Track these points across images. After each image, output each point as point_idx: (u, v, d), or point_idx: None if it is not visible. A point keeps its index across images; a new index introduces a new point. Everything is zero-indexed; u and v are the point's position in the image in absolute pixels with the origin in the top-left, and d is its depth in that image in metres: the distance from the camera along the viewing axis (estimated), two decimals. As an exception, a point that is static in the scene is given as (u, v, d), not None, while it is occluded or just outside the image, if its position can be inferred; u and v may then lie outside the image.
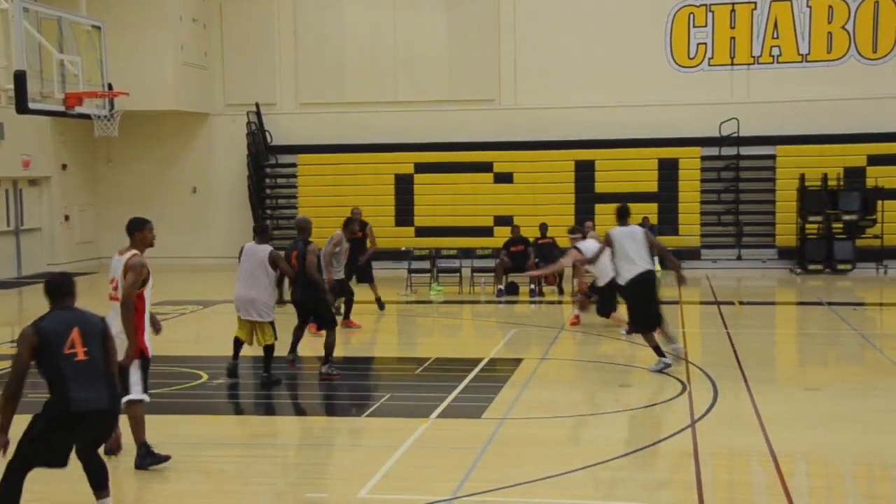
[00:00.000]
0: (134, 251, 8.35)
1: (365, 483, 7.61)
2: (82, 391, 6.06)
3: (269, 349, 11.38)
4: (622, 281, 11.94)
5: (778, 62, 24.93)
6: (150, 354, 8.19)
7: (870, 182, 23.58)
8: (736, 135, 24.48)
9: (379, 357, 13.15)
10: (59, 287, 6.40)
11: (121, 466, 8.20)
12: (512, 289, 19.74)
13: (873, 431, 9.33)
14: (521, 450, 8.62)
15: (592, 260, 13.38)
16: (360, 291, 16.60)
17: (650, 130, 24.84)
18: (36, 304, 20.62)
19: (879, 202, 23.00)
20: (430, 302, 19.25)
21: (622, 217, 12.30)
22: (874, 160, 23.91)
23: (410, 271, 20.64)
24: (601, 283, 14.57)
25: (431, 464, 8.28)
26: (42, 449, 6.20)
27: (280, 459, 8.70)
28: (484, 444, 8.73)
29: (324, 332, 11.76)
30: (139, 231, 8.43)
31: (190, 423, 9.64)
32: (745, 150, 24.65)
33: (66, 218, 26.32)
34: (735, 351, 13.17)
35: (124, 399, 7.82)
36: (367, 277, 17.17)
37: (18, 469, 6.23)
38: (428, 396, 10.67)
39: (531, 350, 13.62)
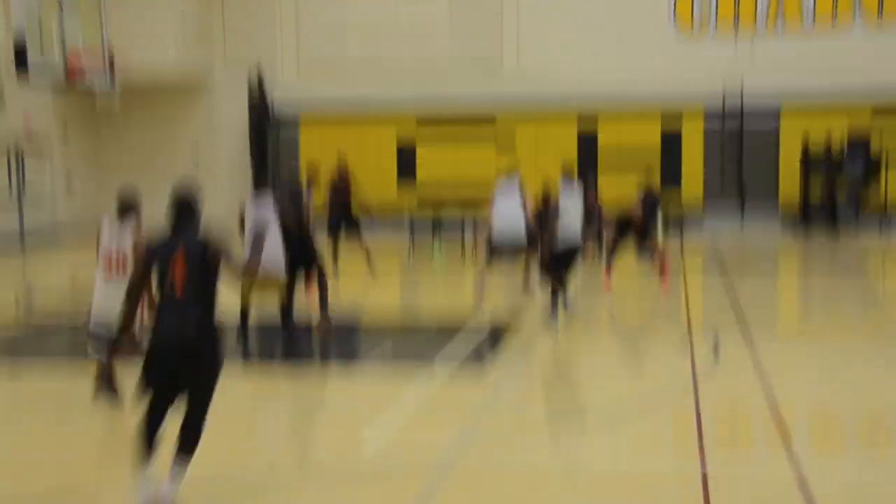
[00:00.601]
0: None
1: (364, 442, 7.61)
2: (172, 317, 5.95)
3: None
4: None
5: (782, 31, 24.76)
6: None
7: (874, 142, 23.53)
8: (740, 102, 24.36)
9: (377, 315, 13.17)
10: (180, 207, 6.25)
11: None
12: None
13: (874, 381, 9.37)
14: (519, 411, 8.65)
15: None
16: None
17: (654, 98, 24.75)
18: (39, 271, 20.72)
19: (884, 162, 22.99)
20: (431, 265, 19.26)
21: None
22: (879, 125, 23.81)
23: (412, 235, 20.61)
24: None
25: (430, 422, 8.28)
26: (145, 386, 6.01)
27: (272, 414, 8.73)
28: (482, 405, 8.74)
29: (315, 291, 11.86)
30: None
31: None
32: (749, 117, 24.55)
33: (69, 186, 26.32)
34: (736, 302, 13.18)
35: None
36: (354, 229, 16.78)
37: (145, 411, 6.07)
38: (426, 355, 10.62)
39: (532, 310, 13.63)
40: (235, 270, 6.18)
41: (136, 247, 8.27)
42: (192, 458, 6.07)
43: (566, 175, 12.29)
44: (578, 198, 12.08)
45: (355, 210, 17.03)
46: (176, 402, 6.07)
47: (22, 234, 24.90)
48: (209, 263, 6.07)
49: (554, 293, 11.74)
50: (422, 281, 18.06)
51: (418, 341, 11.85)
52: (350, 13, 26.38)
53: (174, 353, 5.97)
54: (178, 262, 6.00)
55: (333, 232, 16.82)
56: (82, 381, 9.06)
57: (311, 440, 8.28)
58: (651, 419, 8.30)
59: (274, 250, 11.30)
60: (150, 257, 6.12)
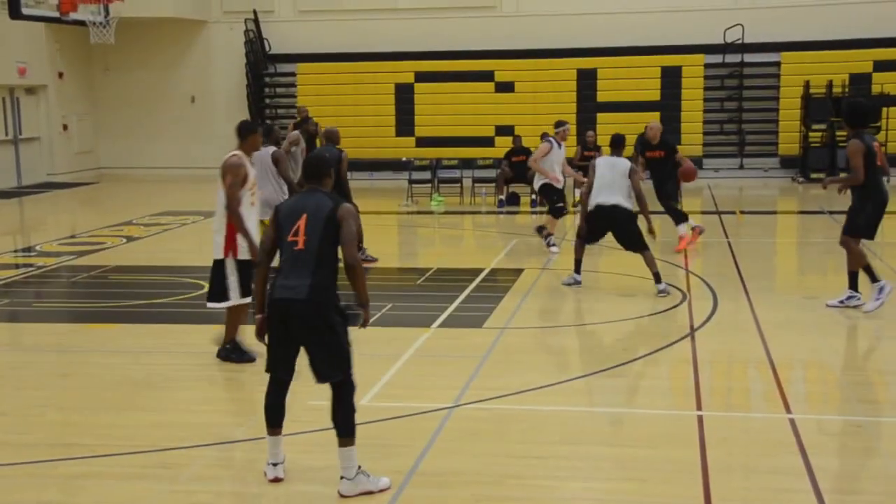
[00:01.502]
0: (234, 152, 8.37)
1: (367, 391, 7.70)
2: (288, 279, 5.77)
3: None
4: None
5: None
6: (239, 256, 8.27)
7: (875, 89, 23.36)
8: (740, 41, 24.17)
9: (380, 267, 13.19)
10: (309, 168, 6.11)
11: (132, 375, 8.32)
12: (513, 199, 19.72)
13: (870, 338, 9.42)
14: (522, 358, 8.71)
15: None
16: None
17: (653, 37, 24.53)
18: (37, 213, 20.71)
19: (885, 109, 22.81)
20: (430, 212, 19.24)
21: (615, 146, 11.61)
22: (880, 66, 23.66)
23: (411, 181, 20.58)
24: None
25: (433, 372, 8.37)
26: (270, 349, 5.92)
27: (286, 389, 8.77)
28: (485, 352, 8.81)
29: None
30: (252, 134, 8.46)
31: (193, 332, 9.71)
32: (750, 58, 24.38)
33: (65, 127, 26.16)
34: (735, 260, 13.21)
35: (222, 304, 8.32)
36: None
37: (271, 379, 6.00)
38: (429, 306, 10.74)
39: (532, 260, 13.65)
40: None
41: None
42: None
43: (612, 146, 11.73)
44: (620, 169, 11.25)
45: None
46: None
47: (19, 174, 24.81)
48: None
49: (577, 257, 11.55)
50: (420, 230, 18.05)
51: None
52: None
53: None
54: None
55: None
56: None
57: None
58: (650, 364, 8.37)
59: (264, 193, 11.30)
60: None
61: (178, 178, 25.30)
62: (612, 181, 11.19)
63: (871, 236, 10.04)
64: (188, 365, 8.60)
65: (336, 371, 5.83)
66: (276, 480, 6.00)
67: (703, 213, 18.77)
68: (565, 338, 9.72)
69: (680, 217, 13.96)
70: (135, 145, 27.02)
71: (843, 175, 10.14)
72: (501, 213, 18.90)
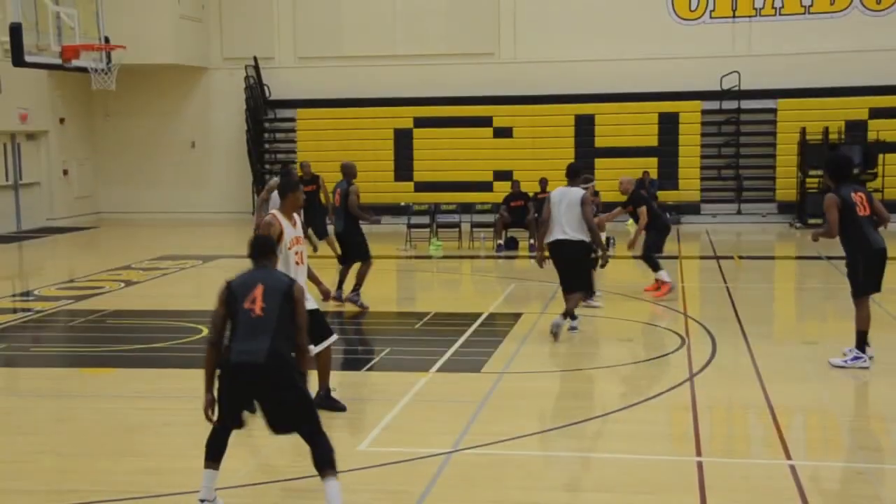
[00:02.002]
0: (272, 211, 8.26)
1: (365, 436, 7.66)
2: (245, 343, 5.95)
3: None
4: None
5: (780, 14, 24.75)
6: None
7: (871, 135, 23.51)
8: (737, 88, 24.36)
9: (378, 311, 13.18)
10: (260, 247, 6.34)
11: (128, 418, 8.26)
12: (511, 244, 19.74)
13: (871, 385, 9.38)
14: (520, 404, 8.67)
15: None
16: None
17: (651, 84, 24.72)
18: (36, 257, 20.71)
19: (881, 156, 22.93)
20: (429, 257, 19.25)
21: (571, 176, 11.38)
22: (876, 113, 23.83)
23: (410, 226, 20.62)
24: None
25: (431, 417, 8.33)
26: (220, 403, 6.12)
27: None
28: (483, 398, 8.77)
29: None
30: (292, 192, 8.24)
31: (190, 377, 9.65)
32: (746, 104, 24.56)
33: (65, 172, 26.26)
34: (734, 305, 13.20)
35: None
36: (321, 233, 16.33)
37: (214, 428, 6.21)
38: (427, 350, 10.71)
39: (530, 305, 13.64)
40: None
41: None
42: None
43: (568, 175, 11.55)
44: (573, 197, 10.95)
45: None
46: None
47: (18, 218, 24.86)
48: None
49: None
50: (418, 274, 18.05)
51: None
52: (346, 4, 26.35)
53: None
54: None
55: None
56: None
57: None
58: (649, 411, 8.33)
59: None
60: None
61: (178, 223, 25.34)
62: (563, 213, 10.96)
63: (877, 288, 9.72)
64: (185, 410, 8.54)
65: (300, 423, 6.02)
66: None
67: (702, 258, 18.81)
68: (564, 383, 9.68)
69: (657, 266, 13.81)
70: (134, 190, 27.10)
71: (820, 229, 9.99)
72: (500, 257, 18.91)
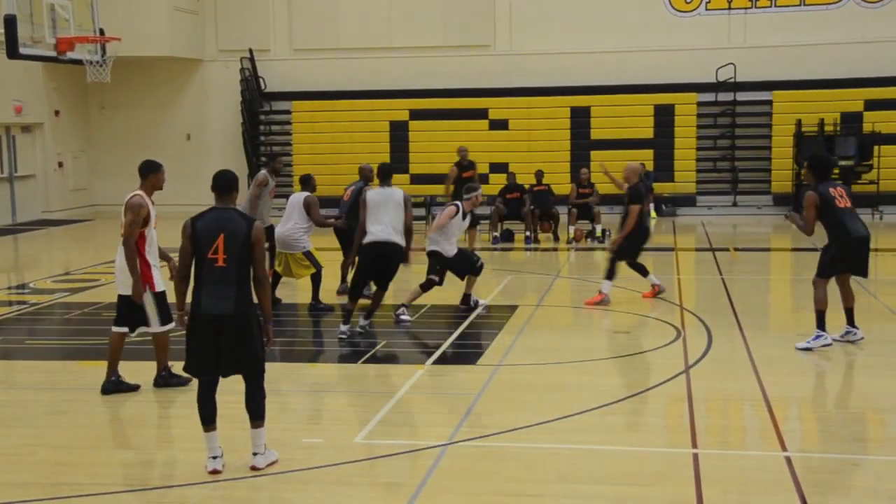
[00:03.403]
0: (136, 192, 8.70)
1: (361, 429, 7.66)
2: (211, 295, 6.43)
3: (314, 278, 12.65)
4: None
5: (776, 6, 24.74)
6: (157, 289, 8.71)
7: (867, 127, 23.52)
8: (733, 80, 24.36)
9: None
10: (223, 183, 6.69)
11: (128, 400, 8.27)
12: (507, 236, 19.75)
13: (866, 376, 9.41)
14: (516, 396, 8.68)
15: None
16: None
17: (646, 76, 24.71)
18: (31, 250, 20.67)
19: (876, 147, 22.95)
20: (423, 249, 19.21)
21: (384, 176, 11.29)
22: (871, 105, 23.84)
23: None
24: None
25: (427, 410, 8.34)
26: (191, 354, 6.60)
27: (276, 405, 8.74)
28: (479, 390, 8.78)
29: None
30: (152, 174, 8.83)
31: (186, 369, 9.66)
32: (742, 96, 24.56)
33: (60, 165, 26.20)
34: (729, 297, 13.22)
35: (151, 330, 8.78)
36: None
37: (199, 385, 6.68)
38: (423, 343, 10.71)
39: (526, 297, 13.65)
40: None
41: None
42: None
43: (381, 176, 11.40)
44: (395, 200, 10.98)
45: None
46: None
47: (13, 211, 24.82)
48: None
49: None
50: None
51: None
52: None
53: None
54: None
55: None
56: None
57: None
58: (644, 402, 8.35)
59: (287, 227, 12.81)
60: None
61: (173, 216, 25.18)
62: (384, 214, 10.83)
63: (861, 273, 10.24)
64: (180, 402, 8.56)
65: (245, 368, 6.61)
66: (214, 472, 6.58)
67: (697, 250, 18.83)
68: (560, 375, 9.69)
69: (612, 274, 12.83)
70: (130, 183, 26.48)
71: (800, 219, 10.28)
72: (496, 249, 18.91)
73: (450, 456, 7.07)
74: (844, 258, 10.08)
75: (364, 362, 10.11)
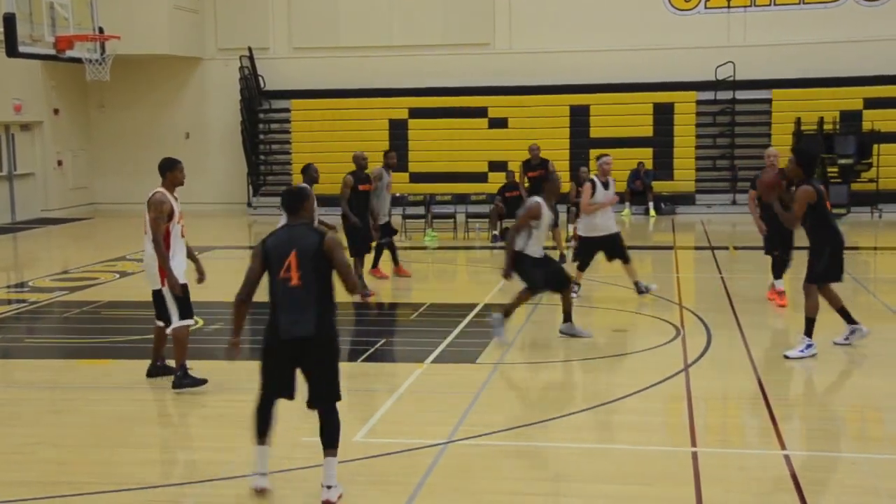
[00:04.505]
0: (158, 189, 8.82)
1: (360, 428, 7.66)
2: (290, 315, 6.01)
3: None
4: None
5: (775, 4, 24.76)
6: (176, 283, 8.71)
7: (866, 126, 23.52)
8: (732, 78, 24.36)
9: (373, 302, 13.18)
10: (292, 199, 6.27)
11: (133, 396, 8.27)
12: (507, 234, 19.73)
13: (865, 375, 9.41)
14: (516, 394, 8.70)
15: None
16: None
17: (646, 74, 24.71)
18: (30, 248, 20.66)
19: (875, 146, 22.94)
20: (424, 248, 19.25)
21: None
22: (871, 104, 23.84)
23: (405, 217, 20.61)
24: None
25: (426, 408, 8.34)
26: (266, 376, 6.24)
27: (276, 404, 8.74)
28: (478, 388, 8.79)
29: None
30: (170, 171, 8.96)
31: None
32: (741, 94, 24.56)
33: (59, 163, 26.19)
34: (729, 295, 13.22)
35: (168, 329, 8.77)
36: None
37: (261, 397, 6.29)
38: (423, 342, 10.71)
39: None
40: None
41: None
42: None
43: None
44: None
45: None
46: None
47: (13, 209, 24.81)
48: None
49: None
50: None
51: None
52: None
53: None
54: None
55: None
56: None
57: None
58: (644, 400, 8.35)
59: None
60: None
61: (172, 214, 25.29)
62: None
63: (838, 278, 9.84)
64: (180, 401, 8.56)
65: (330, 400, 6.19)
66: (262, 491, 6.22)
67: (696, 248, 18.84)
68: (559, 373, 9.70)
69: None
70: (129, 181, 27.02)
71: (786, 211, 9.82)
72: (495, 248, 18.90)
73: (449, 454, 7.08)
74: (837, 263, 9.75)
75: (364, 361, 10.12)
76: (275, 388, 6.22)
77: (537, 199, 10.48)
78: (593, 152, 24.15)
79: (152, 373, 9.14)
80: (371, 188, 13.86)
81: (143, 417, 8.16)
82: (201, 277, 9.14)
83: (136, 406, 8.46)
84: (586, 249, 12.88)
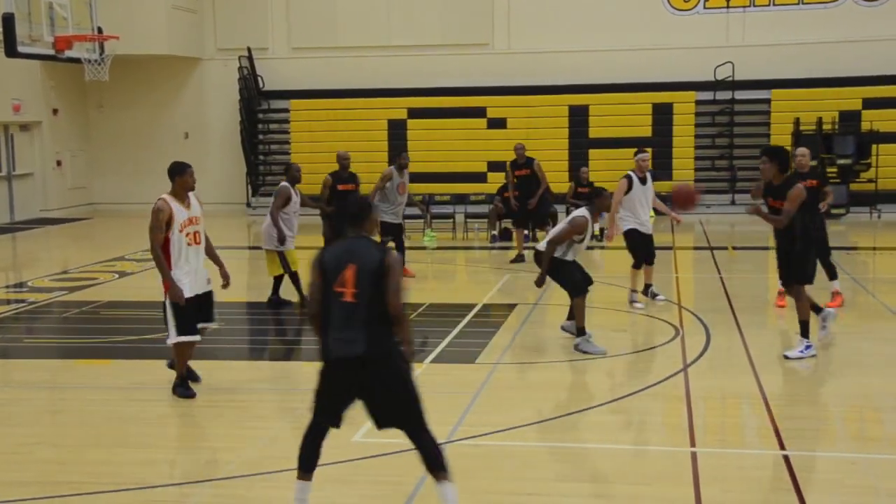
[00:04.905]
0: (161, 196, 8.41)
1: (359, 428, 7.66)
2: (339, 333, 5.55)
3: (279, 277, 12.52)
4: None
5: (774, 4, 24.76)
6: (178, 294, 8.26)
7: (865, 126, 23.52)
8: (731, 79, 24.36)
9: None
10: (352, 213, 5.84)
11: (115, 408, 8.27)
12: (506, 234, 19.74)
13: (864, 374, 9.41)
14: (515, 394, 8.69)
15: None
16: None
17: (645, 74, 24.71)
18: (29, 248, 20.66)
19: (874, 146, 22.95)
20: (423, 248, 19.25)
21: None
22: (869, 104, 23.84)
23: (404, 217, 20.55)
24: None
25: (425, 408, 8.32)
26: (318, 397, 5.76)
27: (275, 404, 8.75)
28: (477, 388, 8.79)
29: None
30: (179, 175, 8.43)
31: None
32: (740, 94, 24.56)
33: (58, 163, 26.19)
34: (728, 295, 13.22)
35: (166, 342, 8.46)
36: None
37: (311, 424, 5.80)
38: (422, 341, 10.71)
39: (525, 295, 13.64)
40: None
41: None
42: None
43: None
44: None
45: None
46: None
47: (12, 210, 24.80)
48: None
49: None
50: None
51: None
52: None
53: None
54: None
55: None
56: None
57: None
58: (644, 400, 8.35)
59: (265, 224, 12.69)
60: None
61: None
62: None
63: (812, 281, 9.84)
64: (180, 401, 8.55)
65: (404, 420, 5.76)
66: None
67: (696, 248, 18.83)
68: (558, 373, 9.70)
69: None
70: (128, 181, 27.04)
71: (770, 213, 9.51)
72: (494, 248, 18.92)
73: (448, 454, 7.07)
74: (814, 264, 9.81)
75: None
76: (324, 413, 5.75)
77: (585, 214, 10.39)
78: (592, 152, 24.27)
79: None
80: (352, 188, 13.78)
81: (142, 417, 8.15)
82: (225, 282, 8.82)
83: (135, 406, 8.45)
84: (637, 242, 12.48)
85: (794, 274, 9.65)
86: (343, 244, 5.78)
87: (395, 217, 14.51)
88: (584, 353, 10.04)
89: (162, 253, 8.27)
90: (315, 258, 5.74)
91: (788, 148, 23.55)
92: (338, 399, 5.70)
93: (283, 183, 12.57)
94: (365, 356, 5.53)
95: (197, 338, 8.48)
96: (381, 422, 5.76)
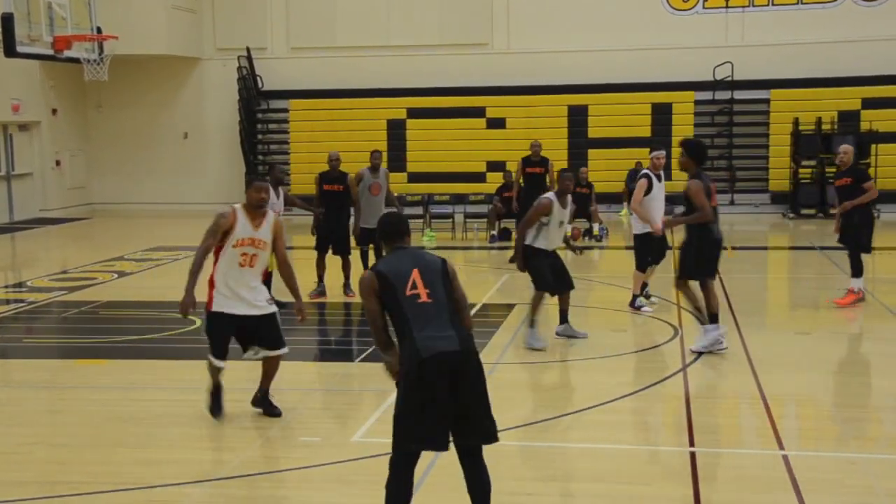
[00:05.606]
0: (235, 204, 7.88)
1: (358, 427, 7.66)
2: (430, 331, 5.22)
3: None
4: None
5: (773, 4, 24.77)
6: (186, 305, 7.69)
7: (864, 126, 23.53)
8: (730, 78, 24.37)
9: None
10: (394, 227, 5.64)
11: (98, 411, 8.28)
12: (505, 234, 19.74)
13: (863, 374, 9.42)
14: (514, 394, 8.68)
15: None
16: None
17: (644, 74, 24.72)
18: (28, 248, 20.66)
19: (873, 146, 22.95)
20: (422, 248, 19.24)
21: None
22: (869, 103, 23.85)
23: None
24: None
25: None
26: (409, 420, 5.20)
27: (276, 404, 8.74)
28: (477, 388, 8.76)
29: None
30: (246, 188, 7.86)
31: (183, 367, 9.67)
32: (739, 94, 24.57)
33: (58, 163, 26.18)
34: (727, 295, 13.22)
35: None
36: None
37: (397, 460, 5.30)
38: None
39: (524, 295, 13.60)
40: None
41: None
42: None
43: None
44: None
45: None
46: None
47: (11, 209, 24.80)
48: None
49: None
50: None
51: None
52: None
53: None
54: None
55: None
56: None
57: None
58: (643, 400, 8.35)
59: None
60: None
61: (170, 214, 25.29)
62: None
63: (711, 275, 9.86)
64: (179, 401, 8.55)
65: (491, 435, 5.38)
66: None
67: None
68: (557, 373, 9.70)
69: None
70: (127, 181, 27.03)
71: (683, 215, 9.77)
72: (493, 248, 18.92)
73: (448, 454, 7.06)
74: (709, 259, 9.78)
75: (362, 361, 10.12)
76: (419, 434, 5.20)
77: (550, 196, 10.52)
78: (591, 152, 24.26)
79: (255, 401, 8.12)
80: (337, 188, 13.63)
81: (142, 417, 8.14)
82: (301, 317, 8.02)
83: (134, 406, 8.44)
84: (648, 247, 12.16)
85: (679, 268, 9.84)
86: (396, 255, 5.58)
87: (374, 221, 14.17)
88: (529, 347, 10.19)
89: (203, 259, 7.68)
90: (369, 276, 5.46)
91: (788, 148, 23.74)
92: (436, 411, 5.19)
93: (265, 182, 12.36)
94: (462, 351, 5.26)
95: (222, 364, 7.81)
96: (466, 434, 5.33)
